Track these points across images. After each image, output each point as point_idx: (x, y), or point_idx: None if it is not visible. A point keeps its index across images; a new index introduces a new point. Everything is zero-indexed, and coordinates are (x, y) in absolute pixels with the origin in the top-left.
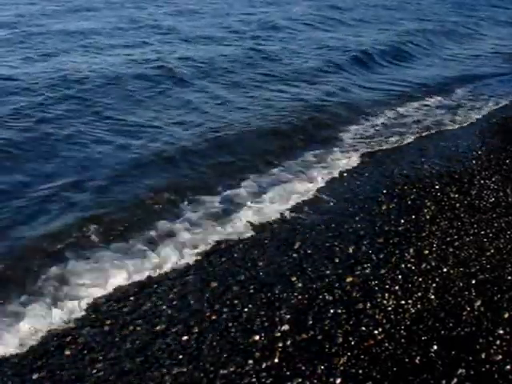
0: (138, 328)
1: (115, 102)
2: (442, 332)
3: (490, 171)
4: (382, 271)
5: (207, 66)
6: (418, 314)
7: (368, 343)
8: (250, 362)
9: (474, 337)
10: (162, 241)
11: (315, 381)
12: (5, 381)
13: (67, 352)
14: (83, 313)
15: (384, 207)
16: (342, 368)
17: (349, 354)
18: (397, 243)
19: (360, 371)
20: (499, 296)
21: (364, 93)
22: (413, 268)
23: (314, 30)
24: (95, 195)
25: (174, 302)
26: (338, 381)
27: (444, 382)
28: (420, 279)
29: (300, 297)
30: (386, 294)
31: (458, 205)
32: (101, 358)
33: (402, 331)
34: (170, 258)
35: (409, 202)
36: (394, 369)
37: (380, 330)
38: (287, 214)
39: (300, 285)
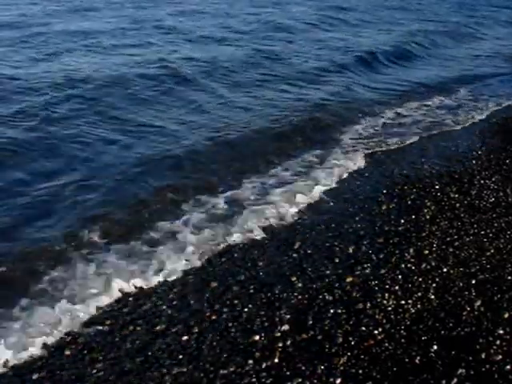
0: (138, 328)
1: (119, 102)
2: (442, 332)
3: (490, 171)
4: (382, 271)
5: (210, 66)
6: (417, 314)
7: (368, 343)
8: (250, 362)
9: (474, 337)
10: (163, 241)
11: (315, 381)
12: (5, 381)
13: (67, 352)
14: (83, 313)
15: (384, 207)
16: (341, 368)
17: (349, 354)
18: (397, 243)
19: (360, 371)
20: (499, 296)
21: (365, 93)
22: (413, 268)
23: (317, 30)
24: (98, 195)
25: (174, 302)
26: (338, 381)
27: (444, 382)
28: (420, 279)
29: (300, 297)
30: (386, 294)
31: (458, 205)
32: (101, 358)
33: (401, 331)
34: (170, 259)
35: (409, 202)
36: (394, 369)
37: (380, 330)
38: (288, 214)
39: (300, 285)
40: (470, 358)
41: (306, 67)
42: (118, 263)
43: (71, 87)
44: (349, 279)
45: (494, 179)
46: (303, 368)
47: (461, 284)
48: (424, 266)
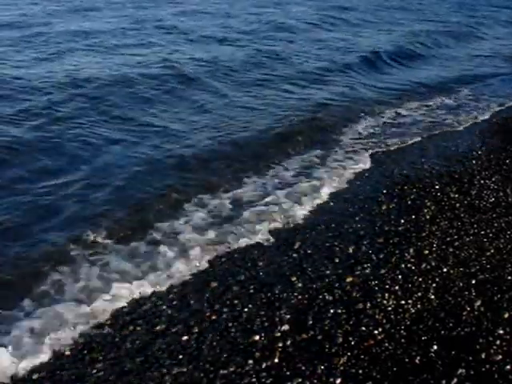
0: (138, 328)
1: (121, 102)
2: (442, 332)
3: (490, 171)
4: (382, 271)
5: (212, 66)
6: (418, 314)
7: (368, 343)
8: (250, 362)
9: (474, 337)
10: (164, 242)
11: (315, 381)
12: (6, 381)
13: (67, 352)
14: (83, 313)
15: (384, 207)
16: (341, 368)
17: (349, 354)
18: (397, 243)
19: (360, 371)
20: (499, 296)
21: (365, 93)
22: (413, 268)
23: (318, 30)
24: (100, 195)
25: (174, 302)
26: (338, 381)
27: (444, 382)
28: (420, 279)
29: (300, 297)
30: (386, 294)
31: (458, 205)
32: (101, 358)
33: (402, 331)
34: (171, 259)
35: (409, 202)
36: (394, 369)
37: (380, 330)
38: (288, 214)
39: (300, 285)
40: (470, 358)
41: (307, 67)
42: (119, 263)
43: (74, 87)
44: (349, 279)
45: (494, 179)
46: (303, 368)
47: (461, 284)
48: (424, 265)
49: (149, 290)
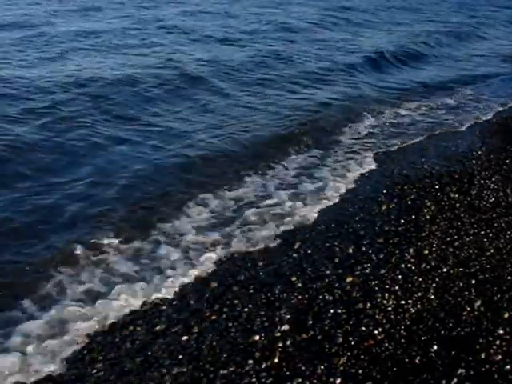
0: (138, 328)
1: (124, 101)
2: (442, 332)
3: (490, 171)
4: (382, 271)
5: (214, 66)
6: (417, 314)
7: (368, 343)
8: (250, 362)
9: (474, 337)
10: (166, 242)
11: (315, 381)
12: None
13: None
14: (84, 313)
15: (384, 207)
16: (341, 368)
17: (349, 354)
18: (397, 243)
19: (360, 371)
20: (499, 296)
21: (366, 93)
22: (413, 268)
23: (319, 30)
24: (104, 195)
25: (174, 302)
26: (338, 381)
27: (444, 382)
28: (420, 279)
29: (300, 297)
30: (386, 294)
31: (458, 205)
32: (101, 358)
33: (402, 331)
34: (172, 259)
35: (409, 202)
36: (394, 369)
37: (380, 329)
38: (289, 213)
39: (300, 285)
40: (470, 358)
41: (308, 67)
42: (121, 264)
43: (77, 86)
44: (349, 279)
45: (494, 179)
46: (303, 368)
47: (461, 284)
48: (424, 265)
49: (149, 291)
